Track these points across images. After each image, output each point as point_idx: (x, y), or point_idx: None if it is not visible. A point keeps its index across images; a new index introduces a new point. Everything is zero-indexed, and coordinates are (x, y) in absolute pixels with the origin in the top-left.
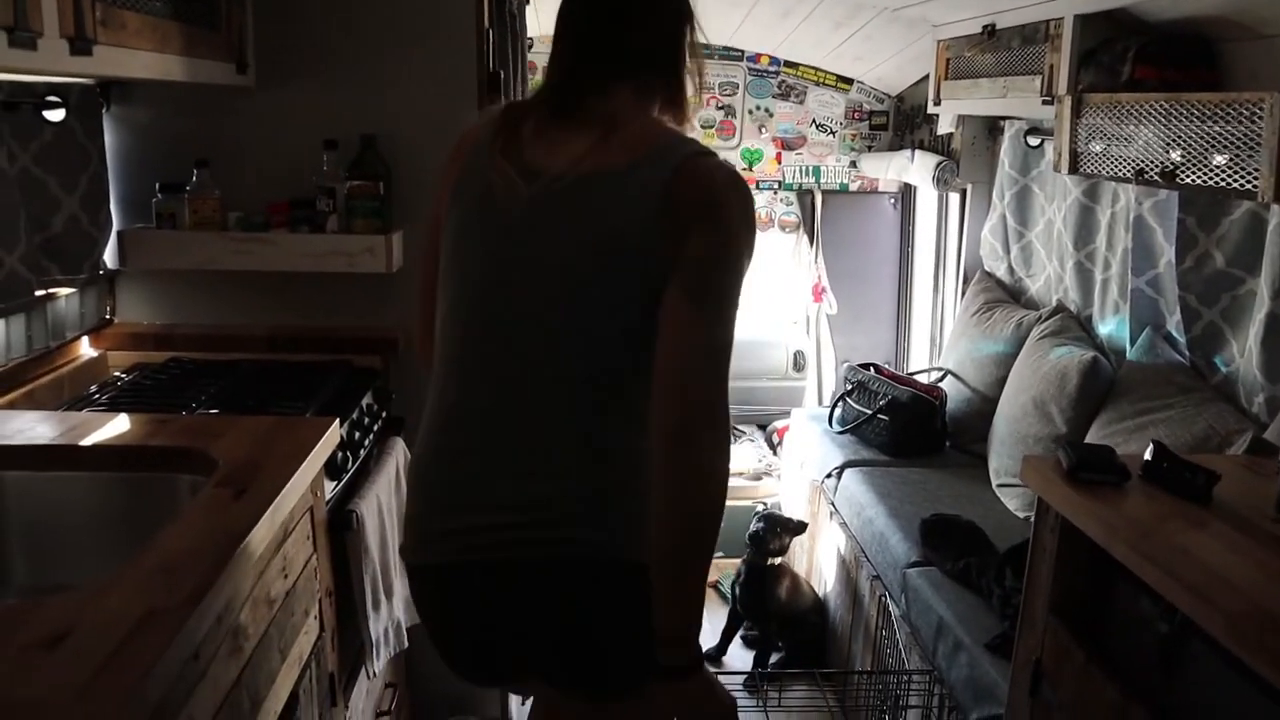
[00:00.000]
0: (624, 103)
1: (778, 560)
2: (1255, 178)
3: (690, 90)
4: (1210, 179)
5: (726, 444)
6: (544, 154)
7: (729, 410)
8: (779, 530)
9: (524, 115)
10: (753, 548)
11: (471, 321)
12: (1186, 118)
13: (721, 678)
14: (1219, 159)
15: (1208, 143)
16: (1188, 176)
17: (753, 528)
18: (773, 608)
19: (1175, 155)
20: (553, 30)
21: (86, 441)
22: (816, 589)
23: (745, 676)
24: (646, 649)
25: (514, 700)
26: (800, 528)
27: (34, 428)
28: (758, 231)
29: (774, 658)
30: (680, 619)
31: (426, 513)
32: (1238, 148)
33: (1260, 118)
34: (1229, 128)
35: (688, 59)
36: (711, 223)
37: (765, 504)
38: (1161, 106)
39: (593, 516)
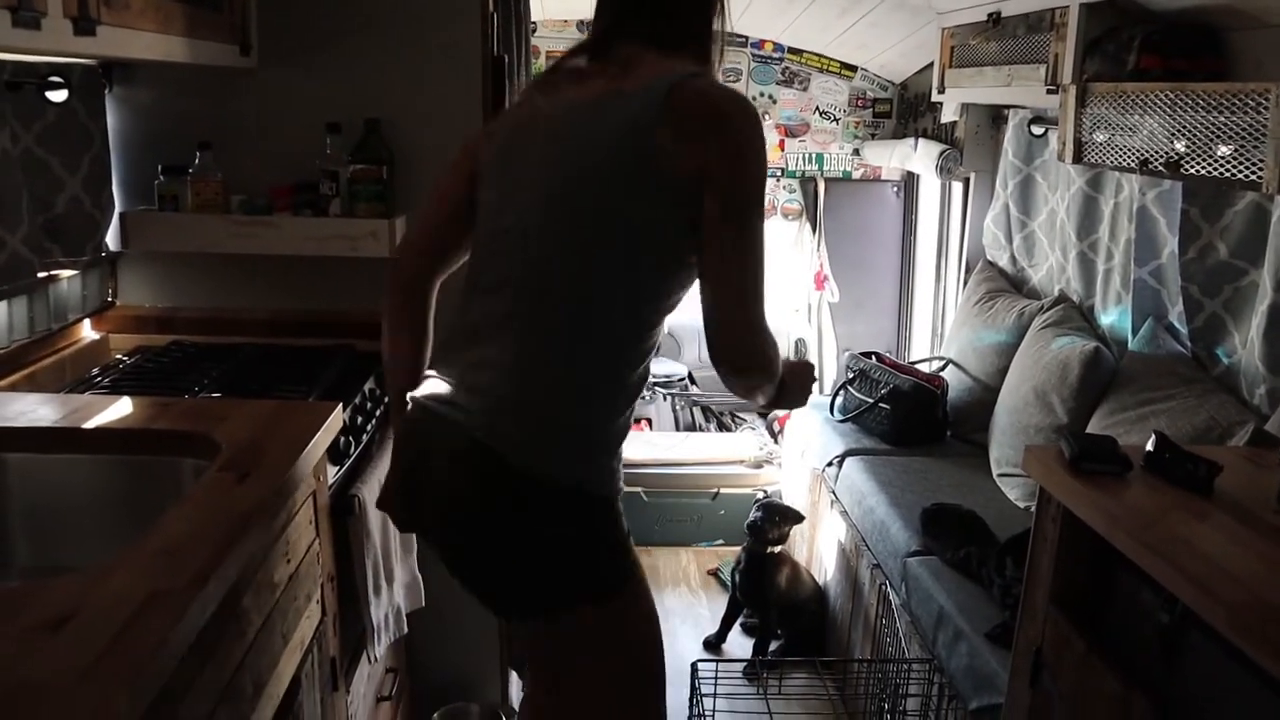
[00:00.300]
0: (649, 55)
1: (777, 549)
2: (1260, 168)
3: (714, 50)
4: (1214, 169)
5: (771, 362)
6: (572, 91)
7: (768, 333)
8: (777, 519)
9: (565, 60)
10: (751, 536)
11: (482, 244)
12: (1191, 107)
13: (721, 666)
14: (1223, 149)
15: (1212, 133)
16: (1192, 167)
17: (751, 517)
18: (772, 596)
19: (1180, 145)
20: None
21: (89, 424)
22: (817, 577)
23: (745, 664)
24: (551, 567)
25: (514, 685)
26: (798, 517)
27: (36, 410)
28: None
29: (773, 646)
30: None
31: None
32: (1242, 138)
33: (1266, 108)
34: (1234, 118)
35: (712, 19)
36: (717, 137)
37: (765, 492)
38: (1166, 96)
39: (543, 440)
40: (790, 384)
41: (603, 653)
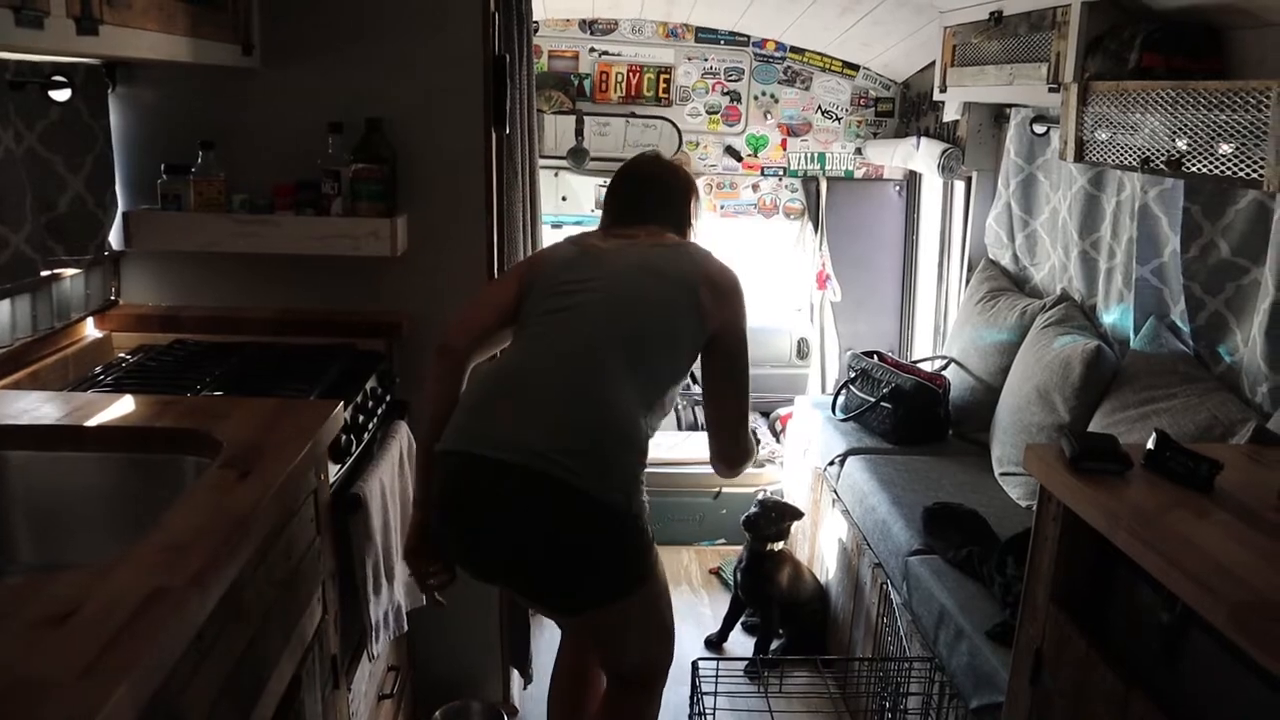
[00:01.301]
0: (651, 230)
1: (778, 546)
2: (1261, 166)
3: (692, 231)
4: (1216, 168)
5: (749, 455)
6: (615, 241)
7: (750, 439)
8: (774, 515)
9: (588, 236)
10: (749, 533)
11: (577, 297)
12: (1193, 106)
13: (722, 664)
14: (1225, 147)
15: (1214, 131)
16: (1193, 165)
17: (748, 513)
18: (774, 594)
19: (1181, 144)
20: (606, 191)
21: (91, 422)
22: (818, 576)
23: (746, 663)
24: (612, 574)
25: (515, 683)
26: (796, 513)
27: (39, 408)
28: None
29: (775, 645)
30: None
31: (475, 418)
32: (1244, 136)
33: (1267, 106)
34: (1235, 116)
35: (692, 215)
36: (732, 304)
37: (766, 490)
38: (1168, 94)
39: (599, 467)
40: None
41: (647, 617)
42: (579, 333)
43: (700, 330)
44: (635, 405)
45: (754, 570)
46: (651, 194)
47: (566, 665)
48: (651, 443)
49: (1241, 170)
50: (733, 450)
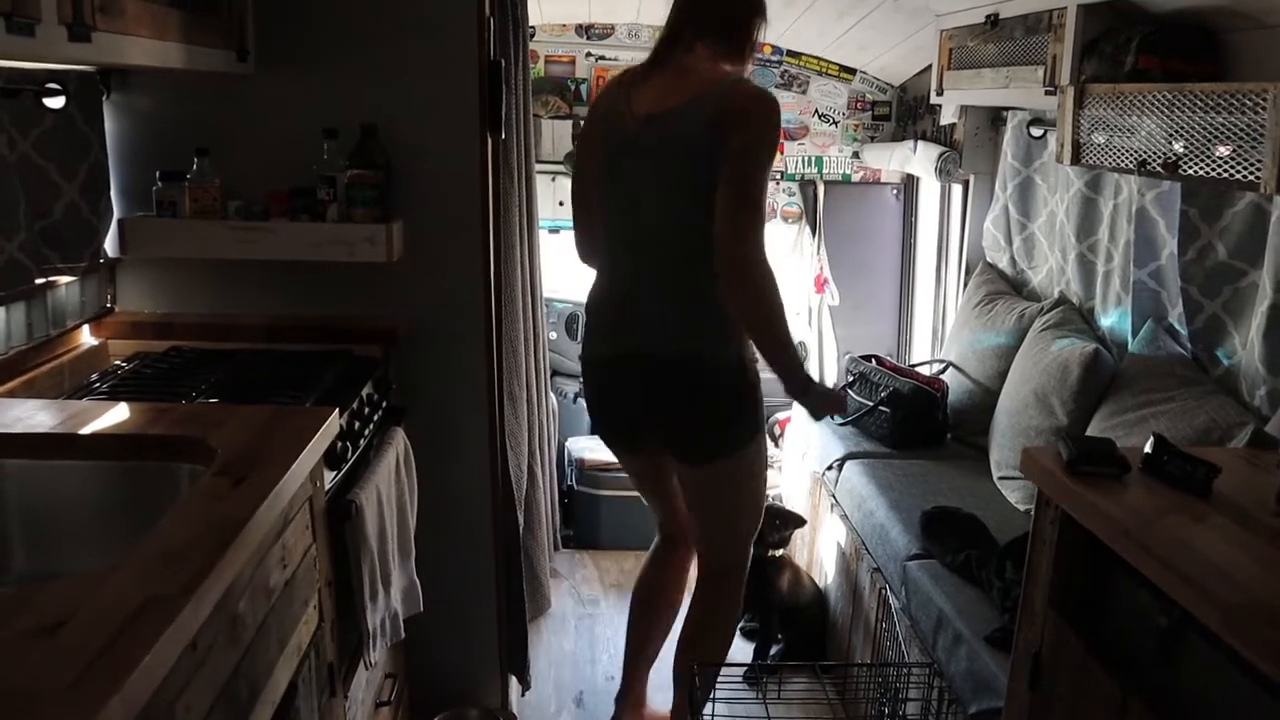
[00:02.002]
0: (700, 57)
1: (779, 552)
2: (1258, 169)
3: (749, 62)
4: (1213, 170)
5: (764, 270)
6: (643, 99)
7: (763, 251)
8: (777, 523)
9: (635, 72)
10: None
11: (611, 225)
12: (1189, 108)
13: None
14: (1222, 150)
15: (1210, 134)
16: (1190, 168)
17: None
18: (774, 600)
19: (1178, 146)
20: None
21: (86, 430)
22: (818, 581)
23: (745, 669)
24: (730, 423)
25: (514, 690)
26: (799, 521)
27: (34, 416)
28: (780, 139)
29: (774, 650)
30: (782, 367)
31: (598, 330)
32: (1241, 139)
33: (1264, 108)
34: (1232, 118)
35: (754, 38)
36: (744, 126)
37: (768, 497)
38: (1164, 97)
39: (693, 334)
40: (822, 392)
41: (751, 476)
42: (622, 268)
43: (715, 158)
44: (685, 284)
45: (754, 576)
46: (705, 9)
47: (647, 579)
48: None
49: (1238, 173)
50: (735, 246)
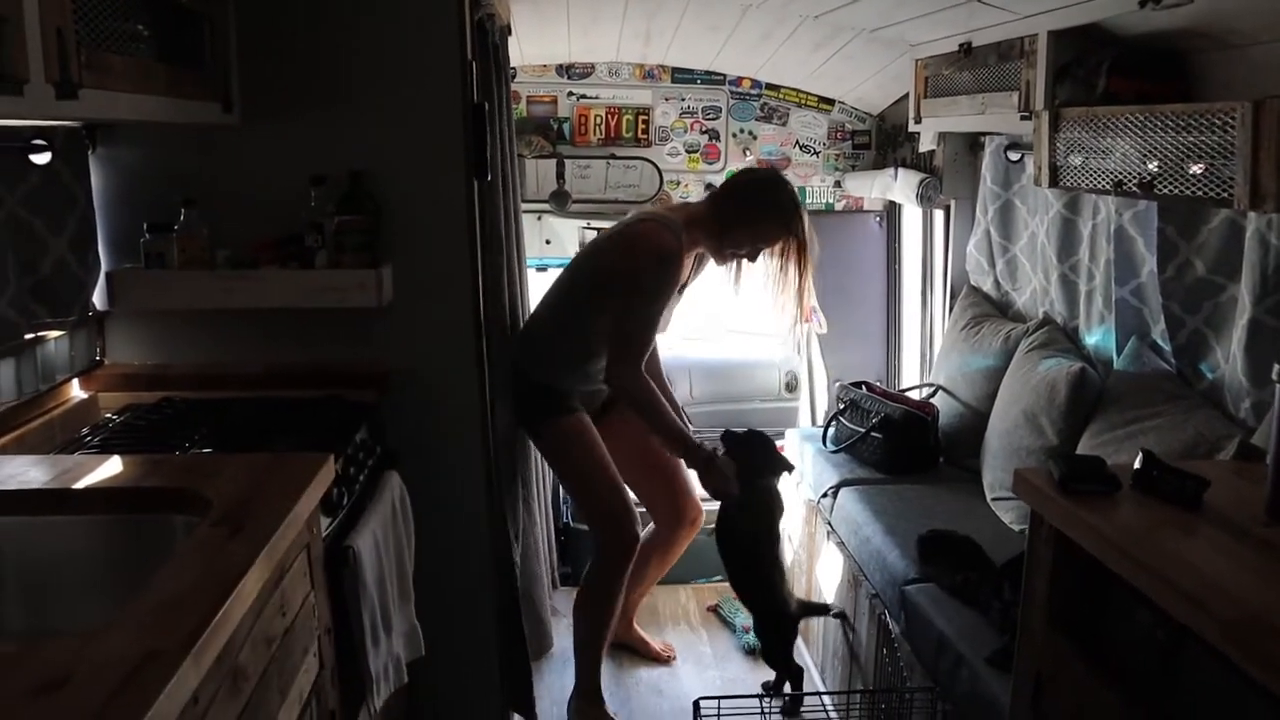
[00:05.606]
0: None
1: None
2: (1231, 186)
3: (727, 233)
4: (1187, 189)
5: (632, 381)
6: None
7: (634, 373)
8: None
9: None
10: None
11: None
12: (1161, 129)
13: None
14: (1195, 168)
15: (1183, 153)
16: (1165, 187)
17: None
18: (740, 540)
19: (1152, 166)
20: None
21: (79, 485)
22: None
23: (763, 685)
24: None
25: None
26: (788, 464)
27: (26, 472)
28: (657, 278)
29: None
30: (666, 439)
31: None
32: (1213, 157)
33: (1233, 127)
34: (1203, 137)
35: (736, 216)
36: (621, 281)
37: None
38: (1137, 119)
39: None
40: (706, 469)
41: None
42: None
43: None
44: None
45: (781, 638)
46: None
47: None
48: None
49: (1212, 190)
50: (611, 369)
